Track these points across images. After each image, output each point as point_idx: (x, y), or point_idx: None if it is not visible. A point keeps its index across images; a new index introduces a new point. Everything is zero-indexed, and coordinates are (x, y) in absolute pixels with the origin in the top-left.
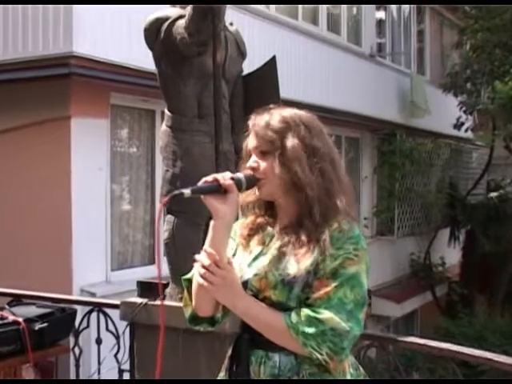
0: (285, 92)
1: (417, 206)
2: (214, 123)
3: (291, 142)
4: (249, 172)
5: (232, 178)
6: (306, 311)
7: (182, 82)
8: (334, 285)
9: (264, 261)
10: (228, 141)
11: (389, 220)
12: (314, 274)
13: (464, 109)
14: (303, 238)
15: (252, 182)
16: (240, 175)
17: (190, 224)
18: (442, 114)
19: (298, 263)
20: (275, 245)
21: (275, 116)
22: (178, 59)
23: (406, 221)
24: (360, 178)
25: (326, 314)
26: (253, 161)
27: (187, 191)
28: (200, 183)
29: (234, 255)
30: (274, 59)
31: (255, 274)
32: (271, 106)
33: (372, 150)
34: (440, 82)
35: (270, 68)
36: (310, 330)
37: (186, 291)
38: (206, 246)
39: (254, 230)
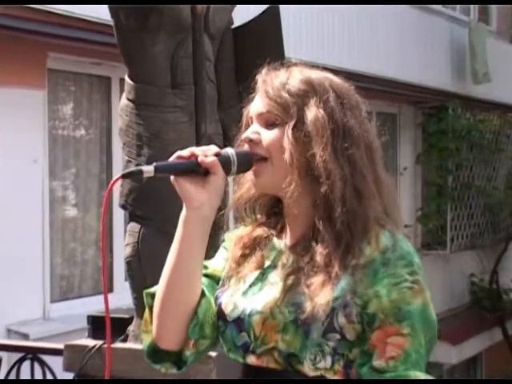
0: (291, 51)
1: (478, 208)
2: (193, 95)
3: (314, 111)
4: (244, 148)
5: (217, 155)
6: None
7: (148, 39)
8: (405, 332)
9: (268, 291)
10: (213, 119)
11: (439, 228)
12: (344, 314)
13: None
14: (318, 258)
15: (248, 161)
16: (229, 151)
17: (163, 235)
18: None
19: (314, 296)
20: (284, 267)
21: (295, 74)
22: (143, 7)
23: (464, 229)
24: (397, 170)
25: (414, 377)
26: (252, 131)
27: (149, 168)
28: (172, 159)
29: (228, 277)
30: (276, 5)
31: (257, 312)
32: (292, 61)
33: (414, 130)
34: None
35: (270, 18)
36: None
37: (147, 310)
38: (172, 250)
39: (250, 248)
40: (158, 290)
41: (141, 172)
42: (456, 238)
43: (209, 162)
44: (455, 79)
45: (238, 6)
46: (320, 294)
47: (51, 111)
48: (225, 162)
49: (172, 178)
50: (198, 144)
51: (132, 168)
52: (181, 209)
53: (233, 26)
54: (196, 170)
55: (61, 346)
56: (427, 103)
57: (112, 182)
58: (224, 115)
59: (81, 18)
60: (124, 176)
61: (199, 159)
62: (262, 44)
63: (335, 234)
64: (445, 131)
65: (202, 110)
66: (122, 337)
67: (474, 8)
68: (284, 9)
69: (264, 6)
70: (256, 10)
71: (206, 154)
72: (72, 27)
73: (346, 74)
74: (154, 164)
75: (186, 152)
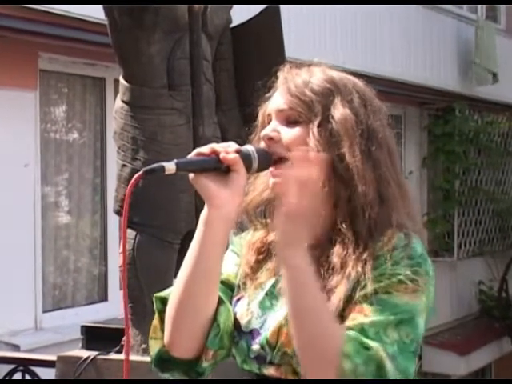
0: (293, 51)
1: (487, 214)
2: (190, 97)
3: (341, 110)
4: (262, 146)
5: (238, 152)
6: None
7: (144, 38)
8: (368, 313)
9: (283, 301)
10: (211, 122)
11: (446, 234)
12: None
13: None
14: (335, 259)
15: (267, 159)
16: (249, 148)
17: (159, 242)
18: None
19: (328, 299)
20: None
21: (317, 73)
22: (138, 4)
23: (471, 235)
24: (403, 174)
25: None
26: (271, 128)
27: (170, 165)
28: (191, 155)
29: (243, 284)
30: (276, 5)
31: (272, 325)
32: (315, 62)
33: (420, 133)
34: None
35: (270, 17)
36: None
37: (156, 316)
38: (192, 251)
39: (264, 254)
40: (173, 292)
41: (162, 169)
42: (464, 245)
43: (231, 158)
44: (462, 79)
45: (237, 7)
46: (332, 297)
47: (43, 113)
48: (246, 159)
49: (191, 176)
50: (195, 147)
51: (154, 165)
52: (177, 214)
53: (232, 25)
54: (218, 168)
55: (53, 357)
56: (433, 104)
57: (134, 179)
58: (222, 117)
59: (73, 16)
60: (146, 173)
61: (221, 156)
62: (261, 44)
63: (356, 237)
64: (451, 134)
65: (200, 112)
66: (117, 348)
67: (481, 5)
68: (285, 8)
69: (264, 6)
70: (256, 8)
71: (227, 150)
72: (64, 26)
73: (349, 74)
74: (175, 161)
75: (206, 149)
